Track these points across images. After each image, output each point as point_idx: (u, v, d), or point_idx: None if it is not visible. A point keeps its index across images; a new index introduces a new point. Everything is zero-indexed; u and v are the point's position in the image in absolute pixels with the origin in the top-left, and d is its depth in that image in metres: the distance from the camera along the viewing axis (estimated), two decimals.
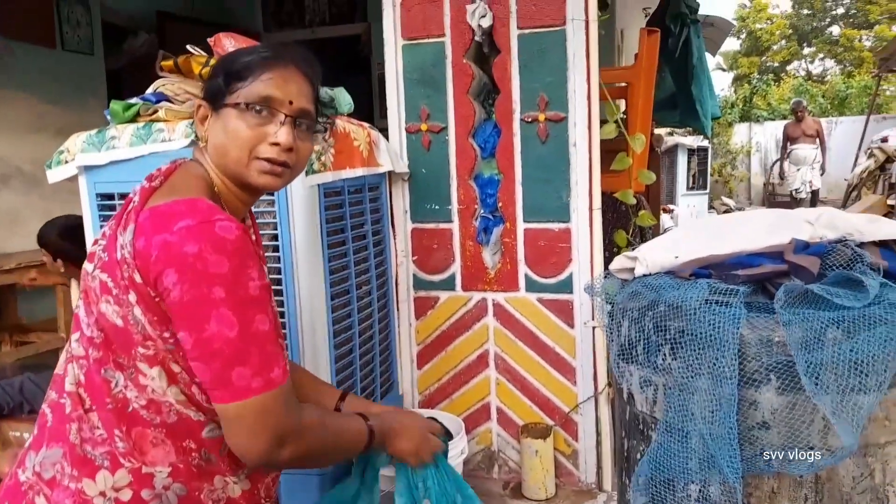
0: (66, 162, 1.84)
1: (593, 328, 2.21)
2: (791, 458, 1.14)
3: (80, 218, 1.98)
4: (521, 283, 2.26)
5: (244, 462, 1.08)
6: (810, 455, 1.12)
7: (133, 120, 1.83)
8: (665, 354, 1.25)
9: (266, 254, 1.75)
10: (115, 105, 1.83)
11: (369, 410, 1.36)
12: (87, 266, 1.10)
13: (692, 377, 1.19)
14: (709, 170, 8.50)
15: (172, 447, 1.08)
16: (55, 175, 1.86)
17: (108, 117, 1.86)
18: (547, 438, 2.21)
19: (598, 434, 2.27)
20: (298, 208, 1.70)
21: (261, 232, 1.73)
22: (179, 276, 0.97)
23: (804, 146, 9.53)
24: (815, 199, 9.58)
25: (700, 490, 1.21)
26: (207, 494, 1.10)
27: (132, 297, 1.01)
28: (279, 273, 1.73)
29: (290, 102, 1.11)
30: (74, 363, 1.11)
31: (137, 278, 1.00)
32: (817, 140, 9.51)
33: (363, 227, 2.04)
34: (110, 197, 1.84)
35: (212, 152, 1.14)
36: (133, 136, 1.78)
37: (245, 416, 1.02)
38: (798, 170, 9.57)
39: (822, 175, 9.75)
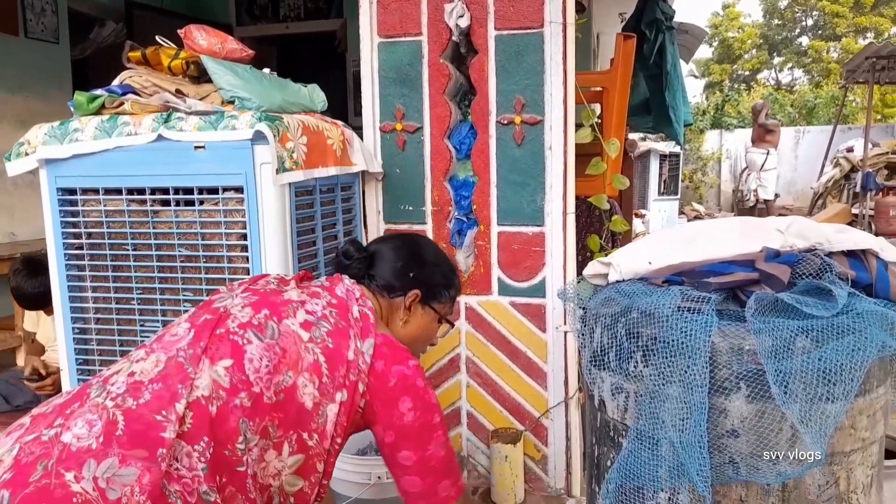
0: (27, 154, 1.77)
1: (565, 333, 2.21)
2: (759, 466, 1.14)
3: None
4: (494, 286, 2.25)
5: None
6: (778, 464, 1.12)
7: (98, 112, 1.77)
8: (637, 361, 1.24)
9: (234, 253, 1.71)
10: (80, 96, 1.77)
11: None
12: (293, 325, 1.16)
13: (663, 384, 1.19)
14: (680, 175, 8.60)
15: None
16: (15, 168, 1.79)
17: (72, 109, 1.80)
18: (517, 444, 2.19)
19: (568, 439, 2.27)
20: (268, 207, 1.66)
21: (230, 231, 1.70)
22: (415, 404, 1.18)
23: (754, 150, 9.46)
24: (768, 209, 9.22)
25: (669, 498, 1.21)
26: None
27: (339, 396, 1.14)
28: (247, 273, 1.69)
29: None
30: (203, 385, 1.05)
31: (361, 388, 1.16)
32: (770, 146, 9.18)
33: (335, 227, 2.01)
34: (72, 192, 1.78)
35: (404, 333, 1.35)
36: (97, 128, 1.72)
37: None
38: (749, 175, 9.52)
39: (776, 180, 9.52)
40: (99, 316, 1.82)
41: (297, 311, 1.18)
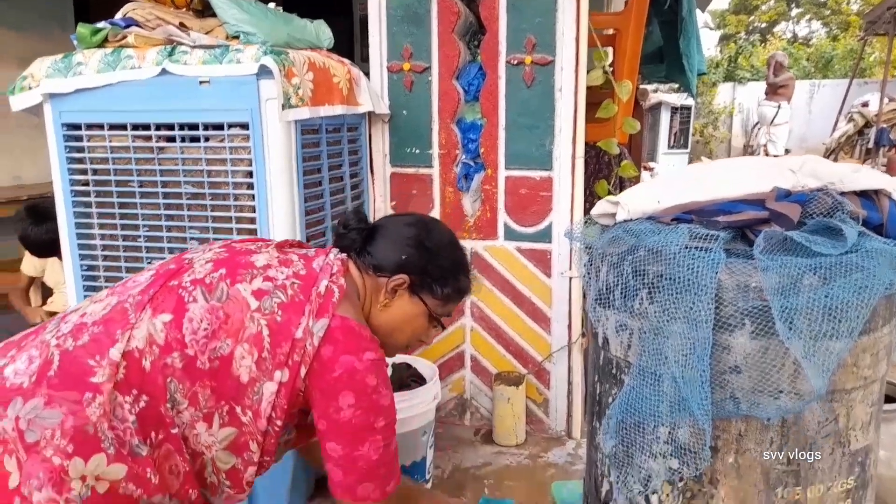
0: (30, 88, 1.75)
1: (570, 278, 2.21)
2: (760, 402, 1.15)
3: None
4: (500, 231, 2.25)
5: None
6: (779, 399, 1.13)
7: (101, 45, 1.74)
8: (642, 299, 1.24)
9: (240, 191, 1.70)
10: (83, 28, 1.74)
11: None
12: (244, 291, 1.09)
13: (668, 321, 1.19)
14: (691, 129, 8.47)
15: (180, 488, 1.07)
16: (18, 102, 1.78)
17: (75, 42, 1.77)
18: (519, 386, 2.23)
19: (570, 383, 2.30)
20: (274, 144, 1.65)
21: (235, 169, 1.69)
22: (357, 401, 1.07)
23: (766, 104, 9.17)
24: None
25: (669, 433, 1.22)
26: None
27: (279, 375, 1.06)
28: (253, 211, 1.69)
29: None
30: (139, 336, 1.03)
31: (303, 372, 1.07)
32: (782, 99, 8.75)
33: (341, 168, 2.00)
34: (77, 127, 1.77)
35: (382, 318, 1.24)
36: (101, 62, 1.70)
37: None
38: (760, 129, 9.26)
39: (787, 135, 9.22)
40: (107, 254, 1.83)
41: (254, 278, 1.10)
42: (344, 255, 1.23)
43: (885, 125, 7.53)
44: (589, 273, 1.41)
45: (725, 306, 1.15)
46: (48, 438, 0.96)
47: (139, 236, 1.78)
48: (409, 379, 1.92)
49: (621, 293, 1.29)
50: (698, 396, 1.16)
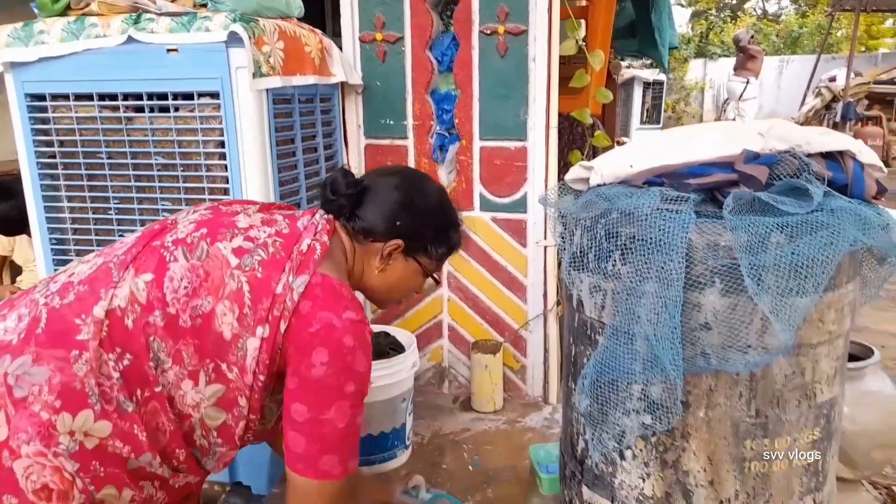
0: None
1: (545, 247, 2.23)
2: (729, 357, 1.18)
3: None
4: (476, 202, 2.25)
5: None
6: (748, 354, 1.17)
7: (63, 13, 1.70)
8: (615, 260, 1.26)
9: (212, 161, 1.68)
10: None
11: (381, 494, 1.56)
12: (224, 249, 1.09)
13: (640, 281, 1.22)
14: (663, 105, 8.54)
15: (167, 446, 1.08)
16: None
17: (36, 10, 1.72)
18: (496, 354, 2.25)
19: (546, 351, 2.33)
20: (246, 114, 1.63)
21: (207, 139, 1.66)
22: (330, 360, 1.06)
23: (735, 79, 9.25)
24: None
25: (642, 390, 1.25)
26: (140, 495, 1.08)
27: (261, 331, 1.06)
28: (226, 182, 1.67)
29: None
30: (122, 294, 1.04)
31: (283, 327, 1.06)
32: (750, 75, 8.70)
33: (315, 139, 1.98)
34: (41, 98, 1.72)
35: (379, 281, 1.26)
36: (64, 30, 1.65)
37: (315, 494, 1.11)
38: (729, 104, 9.35)
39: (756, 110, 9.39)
40: (77, 227, 1.79)
41: (235, 237, 1.11)
42: (330, 217, 1.22)
43: (851, 99, 7.68)
44: (563, 237, 1.42)
45: (696, 265, 1.18)
46: (36, 394, 0.97)
47: (109, 209, 1.75)
48: (387, 347, 1.93)
49: (595, 256, 1.31)
50: (670, 353, 1.19)
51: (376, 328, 2.07)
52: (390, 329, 2.08)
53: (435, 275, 1.35)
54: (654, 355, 1.22)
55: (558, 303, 2.28)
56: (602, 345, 1.31)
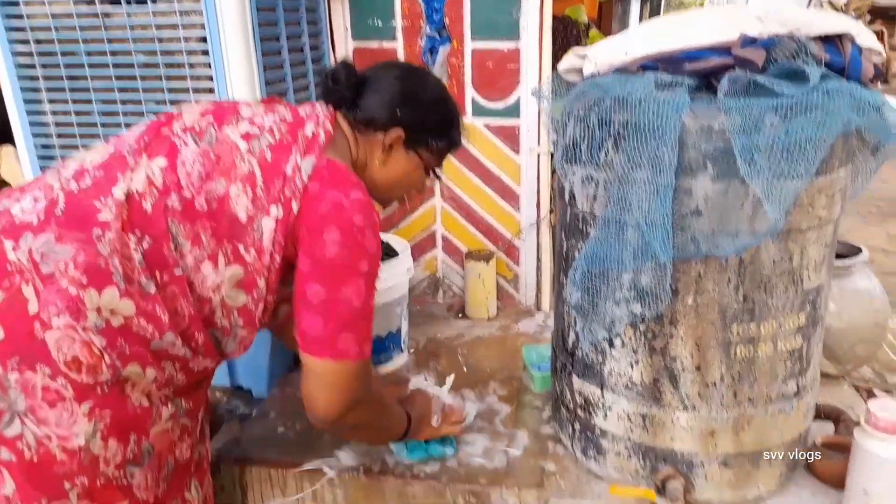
0: None
1: (538, 154, 2.21)
2: (719, 243, 1.19)
3: None
4: (468, 107, 2.21)
5: (309, 415, 1.18)
6: (737, 239, 1.17)
7: None
8: (608, 149, 1.25)
9: (195, 59, 1.63)
10: None
11: (390, 392, 1.56)
12: (233, 134, 1.11)
13: (633, 169, 1.21)
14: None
15: (186, 330, 1.10)
16: None
17: None
18: (489, 262, 2.26)
19: (539, 260, 2.34)
20: (227, 6, 1.56)
21: (188, 35, 1.61)
22: (342, 239, 1.08)
23: None
24: None
25: (632, 279, 1.27)
26: (162, 375, 1.10)
27: (275, 211, 1.08)
28: (210, 80, 1.63)
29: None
30: (138, 179, 1.05)
31: (295, 207, 1.08)
32: None
33: (300, 38, 1.92)
34: None
35: (381, 174, 1.27)
36: None
37: (333, 376, 1.13)
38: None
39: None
40: (61, 131, 1.76)
41: (241, 122, 1.13)
42: (332, 108, 1.23)
43: (854, 13, 7.45)
44: (556, 129, 1.40)
45: (689, 150, 1.16)
46: (62, 270, 0.99)
47: (92, 111, 1.71)
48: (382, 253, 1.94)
49: (587, 146, 1.29)
50: (661, 240, 1.19)
51: None
52: (384, 236, 2.08)
53: (437, 170, 1.36)
54: (645, 243, 1.22)
55: (551, 211, 2.27)
56: (593, 236, 1.31)
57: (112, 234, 1.01)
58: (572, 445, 1.48)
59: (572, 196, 1.37)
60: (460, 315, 2.33)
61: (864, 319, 1.69)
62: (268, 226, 1.08)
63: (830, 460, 1.37)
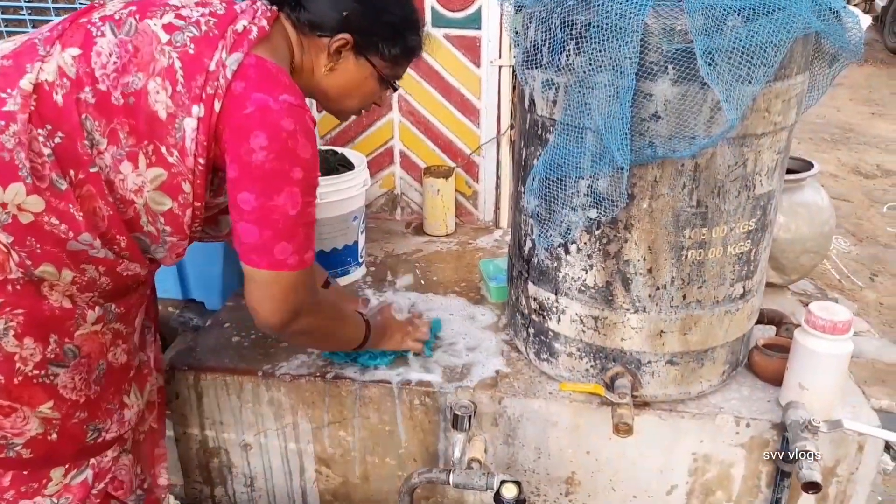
0: None
1: (500, 67, 2.16)
2: (676, 147, 1.19)
3: None
4: (428, 16, 2.13)
5: (256, 323, 1.16)
6: (694, 143, 1.18)
7: None
8: (569, 52, 1.22)
9: None
10: None
11: (351, 303, 1.58)
12: (154, 25, 1.03)
13: (593, 71, 1.18)
14: None
15: (107, 232, 1.05)
16: None
17: None
18: (448, 178, 2.24)
19: (498, 177, 2.33)
20: None
21: None
22: (270, 144, 1.02)
23: None
24: None
25: (589, 185, 1.27)
26: (82, 277, 1.07)
27: (196, 110, 1.01)
28: None
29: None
30: (49, 69, 0.99)
31: (217, 106, 1.01)
32: None
33: None
34: None
35: (329, 82, 1.21)
36: None
37: (273, 286, 1.10)
38: None
39: None
40: None
41: (165, 14, 1.06)
42: (274, 7, 1.15)
43: None
44: (517, 32, 1.36)
45: (650, 52, 1.15)
46: None
47: (21, 8, 1.59)
48: (336, 164, 1.90)
49: (549, 49, 1.27)
50: (619, 144, 1.19)
51: (325, 148, 2.02)
52: (339, 149, 2.03)
53: (394, 81, 1.28)
54: (604, 148, 1.22)
55: (511, 126, 2.25)
56: (552, 143, 1.30)
57: (18, 127, 0.96)
58: (526, 349, 1.52)
59: (532, 102, 1.35)
60: (419, 231, 2.32)
61: (810, 230, 1.74)
62: (189, 125, 1.02)
63: (770, 359, 1.44)
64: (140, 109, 1.01)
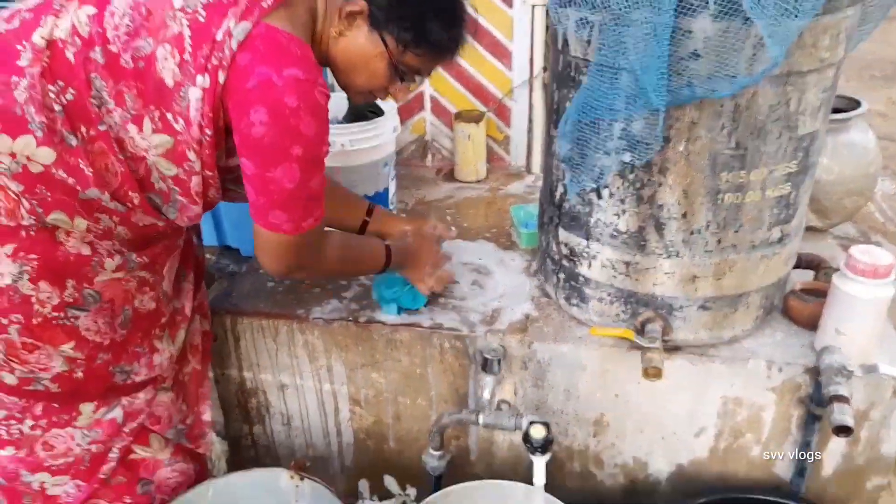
0: None
1: (532, 6, 2.09)
2: (716, 87, 1.14)
3: None
4: None
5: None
6: (735, 81, 1.13)
7: None
8: None
9: None
10: None
11: (396, 226, 1.53)
12: None
13: (630, 8, 1.14)
14: None
15: (119, 189, 1.06)
16: None
17: None
18: (479, 123, 2.21)
19: (531, 121, 2.29)
20: None
21: None
22: (270, 120, 1.00)
23: None
24: None
25: (623, 128, 1.23)
26: (96, 225, 1.08)
27: (201, 80, 1.00)
28: None
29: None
30: (63, 26, 0.99)
31: (221, 78, 1.00)
32: None
33: None
34: None
35: (335, 48, 1.16)
36: None
37: (269, 244, 1.14)
38: None
39: None
40: None
41: None
42: None
43: None
44: None
45: None
46: None
47: None
48: (366, 110, 1.88)
49: None
50: (655, 84, 1.15)
51: None
52: None
53: (404, 71, 1.19)
54: (639, 89, 1.18)
55: (545, 69, 2.19)
56: (585, 84, 1.26)
57: (28, 81, 0.97)
58: (556, 294, 1.52)
59: (565, 42, 1.31)
60: (449, 178, 2.31)
61: (854, 171, 1.68)
62: (194, 95, 1.01)
63: (806, 304, 1.41)
64: (149, 74, 1.01)
